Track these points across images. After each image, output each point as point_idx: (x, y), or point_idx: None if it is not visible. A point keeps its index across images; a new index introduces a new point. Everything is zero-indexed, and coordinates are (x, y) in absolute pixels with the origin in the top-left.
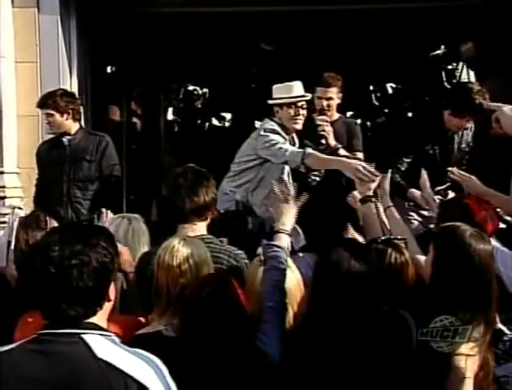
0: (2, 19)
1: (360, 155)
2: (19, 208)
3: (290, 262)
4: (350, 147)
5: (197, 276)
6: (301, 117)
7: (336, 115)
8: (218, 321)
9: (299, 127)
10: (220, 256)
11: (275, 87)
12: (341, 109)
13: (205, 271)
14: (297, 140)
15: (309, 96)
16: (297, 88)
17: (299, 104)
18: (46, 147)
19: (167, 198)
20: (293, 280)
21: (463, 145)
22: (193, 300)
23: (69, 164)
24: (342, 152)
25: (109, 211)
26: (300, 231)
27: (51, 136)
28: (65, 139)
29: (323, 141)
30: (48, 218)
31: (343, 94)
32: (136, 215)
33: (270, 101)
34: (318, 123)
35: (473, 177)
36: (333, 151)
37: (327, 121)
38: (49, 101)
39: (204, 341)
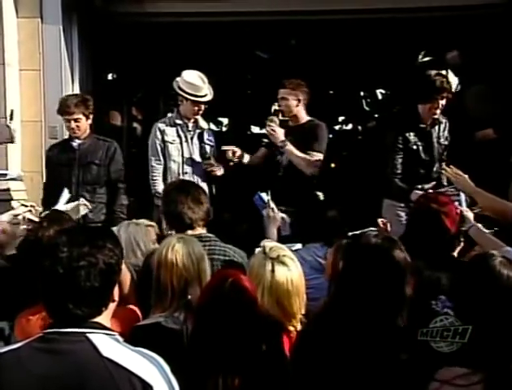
0: (7, 30)
1: (318, 156)
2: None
3: (293, 257)
4: (310, 147)
5: (198, 271)
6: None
7: (305, 119)
8: (239, 313)
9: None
10: (226, 251)
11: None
12: (334, 113)
13: (204, 266)
14: (201, 121)
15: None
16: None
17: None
18: (56, 150)
19: (173, 212)
20: (298, 276)
21: (442, 140)
22: (215, 292)
23: (78, 167)
24: (289, 148)
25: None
26: (288, 220)
27: (54, 140)
28: (75, 143)
29: (266, 140)
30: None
31: (339, 100)
32: (142, 221)
33: (179, 92)
34: (267, 122)
35: (466, 176)
36: (280, 147)
37: (274, 121)
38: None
39: (221, 333)
